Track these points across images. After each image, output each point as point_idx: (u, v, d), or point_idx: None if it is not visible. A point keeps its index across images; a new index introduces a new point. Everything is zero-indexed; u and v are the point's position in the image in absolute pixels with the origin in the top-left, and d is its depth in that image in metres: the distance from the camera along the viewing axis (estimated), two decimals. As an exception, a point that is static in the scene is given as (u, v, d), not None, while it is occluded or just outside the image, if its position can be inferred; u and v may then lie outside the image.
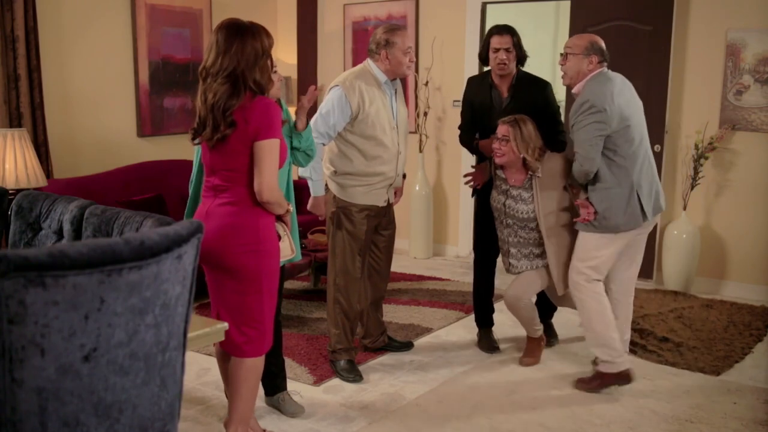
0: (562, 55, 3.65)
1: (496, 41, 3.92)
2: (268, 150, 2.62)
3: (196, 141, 2.74)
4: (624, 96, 3.49)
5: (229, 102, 2.60)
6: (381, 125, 3.67)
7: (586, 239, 3.59)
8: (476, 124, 4.13)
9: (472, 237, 4.33)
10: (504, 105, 4.02)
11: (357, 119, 3.62)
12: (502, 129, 3.74)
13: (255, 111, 2.61)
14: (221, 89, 2.60)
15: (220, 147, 2.66)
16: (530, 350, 4.05)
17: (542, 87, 4.06)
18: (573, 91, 3.60)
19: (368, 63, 3.77)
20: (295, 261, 3.28)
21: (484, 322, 4.32)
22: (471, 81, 4.27)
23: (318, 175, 3.67)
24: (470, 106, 4.14)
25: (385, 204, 3.83)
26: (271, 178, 2.64)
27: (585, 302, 3.59)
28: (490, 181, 4.02)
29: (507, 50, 3.89)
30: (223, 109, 2.60)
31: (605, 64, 3.57)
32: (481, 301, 4.31)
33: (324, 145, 3.68)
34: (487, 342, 4.25)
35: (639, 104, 3.59)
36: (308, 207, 3.76)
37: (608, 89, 3.44)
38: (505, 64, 3.91)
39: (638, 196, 3.47)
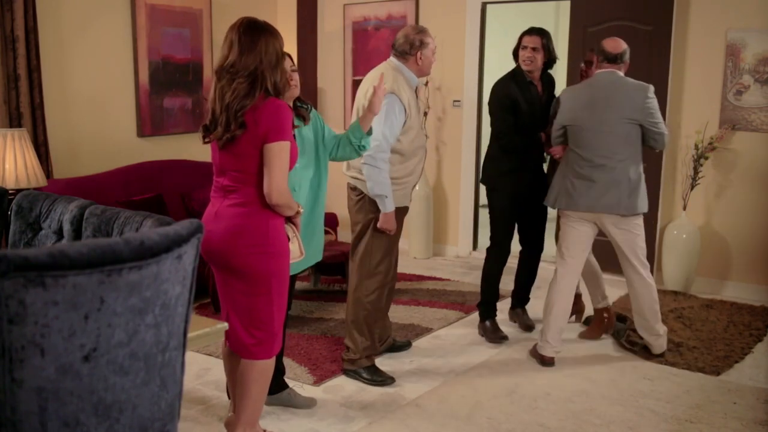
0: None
1: (526, 40, 4.23)
2: (278, 153, 2.61)
3: (207, 140, 2.72)
4: (582, 100, 3.89)
5: (243, 102, 2.58)
6: (417, 127, 3.72)
7: (561, 220, 4.03)
8: (519, 123, 4.21)
9: (489, 231, 4.51)
10: (540, 99, 4.32)
11: (405, 125, 3.63)
12: (588, 55, 4.33)
13: (265, 113, 2.60)
14: (240, 88, 2.58)
15: (230, 147, 2.64)
16: (592, 324, 4.41)
17: (552, 79, 4.51)
18: None
19: (399, 65, 3.69)
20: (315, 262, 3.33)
21: (493, 312, 4.44)
22: (504, 84, 4.27)
23: (390, 191, 3.60)
24: (514, 106, 4.19)
25: (410, 202, 3.86)
26: (280, 181, 2.63)
27: (552, 280, 4.04)
28: (516, 181, 4.28)
29: (534, 49, 4.17)
30: (236, 108, 2.58)
31: (605, 65, 3.91)
32: (494, 292, 4.42)
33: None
34: (495, 332, 4.37)
35: (604, 114, 3.80)
36: (379, 224, 3.64)
37: (575, 89, 4.04)
38: (532, 61, 4.19)
39: (571, 183, 3.88)
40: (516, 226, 4.43)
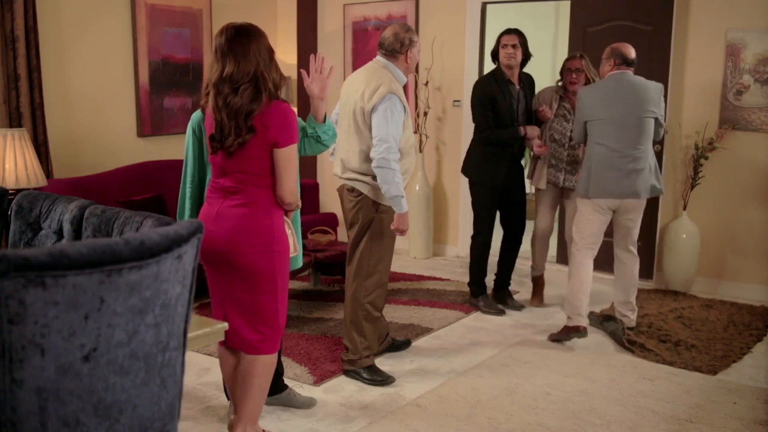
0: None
1: (505, 39, 4.61)
2: (290, 157, 2.67)
3: (216, 151, 2.69)
4: (606, 98, 4.20)
5: (251, 106, 2.60)
6: (410, 125, 3.72)
7: (578, 209, 4.37)
8: (497, 117, 4.60)
9: (477, 222, 4.91)
10: (518, 96, 4.70)
11: (403, 124, 3.62)
12: (576, 63, 4.72)
13: (273, 116, 2.62)
14: (245, 94, 2.60)
15: (237, 151, 2.66)
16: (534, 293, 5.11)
17: (532, 78, 4.88)
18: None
19: (388, 64, 3.66)
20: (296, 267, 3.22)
21: (483, 289, 4.95)
22: (485, 82, 4.70)
23: (403, 191, 3.55)
24: (493, 102, 4.58)
25: None
26: (293, 184, 2.71)
27: (570, 265, 4.40)
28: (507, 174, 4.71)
29: (513, 46, 4.56)
30: (246, 113, 2.59)
31: (622, 67, 4.24)
32: (482, 271, 4.90)
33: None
34: (490, 305, 4.87)
35: (628, 110, 4.16)
36: (394, 226, 3.60)
37: (595, 88, 4.35)
38: (513, 57, 4.57)
39: (601, 174, 4.20)
40: (498, 213, 4.89)
